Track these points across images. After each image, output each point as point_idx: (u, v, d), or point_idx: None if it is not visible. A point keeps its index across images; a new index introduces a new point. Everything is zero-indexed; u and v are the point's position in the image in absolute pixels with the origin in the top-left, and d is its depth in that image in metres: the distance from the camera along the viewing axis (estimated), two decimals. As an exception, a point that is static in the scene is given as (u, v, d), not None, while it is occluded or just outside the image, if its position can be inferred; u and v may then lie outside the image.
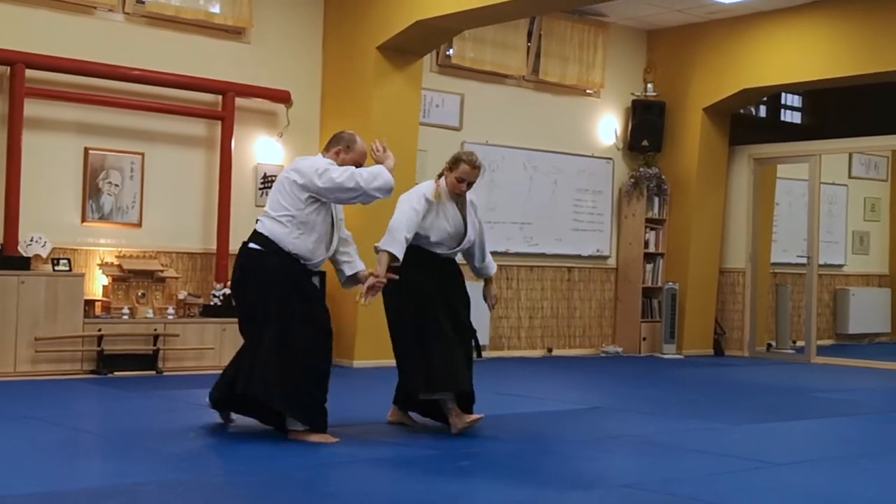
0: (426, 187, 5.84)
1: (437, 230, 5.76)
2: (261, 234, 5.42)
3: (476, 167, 5.79)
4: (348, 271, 5.73)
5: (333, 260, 5.69)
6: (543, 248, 11.07)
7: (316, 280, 5.65)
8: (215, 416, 5.82)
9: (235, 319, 7.79)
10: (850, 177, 13.61)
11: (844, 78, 10.42)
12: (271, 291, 5.34)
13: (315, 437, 5.33)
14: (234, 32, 9.19)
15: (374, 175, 5.37)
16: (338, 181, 5.32)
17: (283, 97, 9.21)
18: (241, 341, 5.63)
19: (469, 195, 5.90)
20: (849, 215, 13.60)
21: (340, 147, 5.53)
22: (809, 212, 11.36)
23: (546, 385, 8.67)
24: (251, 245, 5.45)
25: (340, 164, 5.46)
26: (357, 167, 5.46)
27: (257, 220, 5.53)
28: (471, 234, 5.84)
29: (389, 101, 9.25)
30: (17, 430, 5.65)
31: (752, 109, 12.99)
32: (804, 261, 11.47)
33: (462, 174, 5.75)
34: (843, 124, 11.53)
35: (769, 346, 12.09)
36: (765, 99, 12.82)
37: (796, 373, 10.19)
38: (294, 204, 5.35)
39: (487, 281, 6.09)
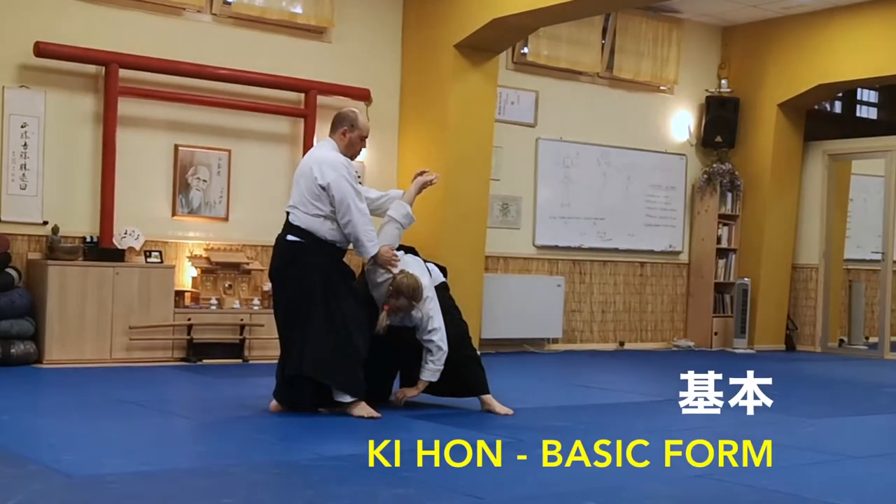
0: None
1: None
2: (298, 226, 5.75)
3: (414, 304, 5.85)
4: (396, 206, 6.09)
5: (376, 214, 6.07)
6: (616, 244, 11.18)
7: None
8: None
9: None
10: (926, 173, 13.46)
11: (921, 73, 10.39)
12: (316, 278, 5.70)
13: (359, 411, 5.72)
14: (317, 32, 9.44)
15: (370, 235, 5.77)
16: (344, 205, 5.65)
17: (363, 95, 9.42)
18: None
19: (417, 313, 5.94)
20: (925, 211, 13.45)
21: (346, 127, 5.86)
22: (884, 208, 11.29)
23: (619, 377, 8.79)
24: (290, 237, 5.77)
25: (348, 143, 5.84)
26: (361, 140, 5.87)
27: (287, 213, 5.83)
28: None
29: (466, 99, 9.43)
30: (114, 413, 5.92)
31: (828, 105, 12.94)
32: (878, 257, 11.42)
33: (399, 307, 5.86)
34: (921, 120, 11.47)
35: (841, 341, 12.06)
36: (840, 94, 12.75)
37: (869, 368, 10.16)
38: (322, 202, 5.70)
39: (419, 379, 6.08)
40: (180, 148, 8.72)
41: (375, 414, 5.74)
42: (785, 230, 11.76)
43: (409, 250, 6.21)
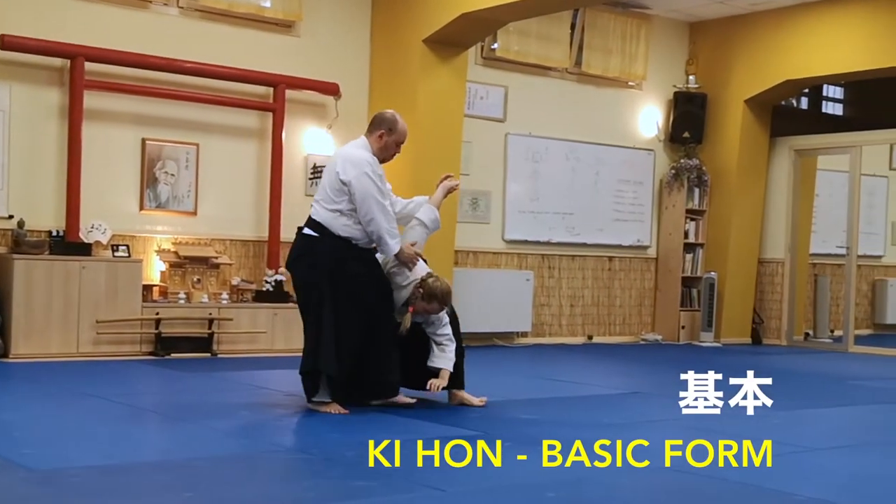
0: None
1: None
2: (315, 221, 5.75)
3: (444, 307, 5.91)
4: (425, 209, 6.07)
5: (404, 221, 6.03)
6: (585, 238, 11.24)
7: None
8: (267, 396, 6.05)
9: (287, 305, 8.45)
10: (890, 168, 13.65)
11: (886, 69, 10.46)
12: (320, 273, 5.68)
13: (327, 408, 5.71)
14: (285, 26, 9.42)
15: (393, 233, 5.72)
16: (366, 204, 5.60)
17: (331, 89, 9.42)
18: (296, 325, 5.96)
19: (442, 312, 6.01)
20: (889, 207, 13.63)
21: (383, 130, 5.82)
22: (849, 203, 11.41)
23: (587, 371, 8.84)
24: (306, 231, 5.79)
25: (383, 146, 5.79)
26: (397, 146, 5.82)
27: (311, 206, 5.84)
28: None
29: (435, 93, 9.44)
30: (80, 406, 5.90)
31: (794, 101, 13.04)
32: (843, 251, 11.54)
33: (430, 310, 5.89)
34: (885, 116, 11.55)
35: (807, 335, 12.19)
36: (806, 90, 12.86)
37: (834, 361, 10.27)
38: (341, 198, 5.67)
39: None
40: (148, 142, 8.68)
41: (343, 410, 5.75)
42: (751, 225, 11.86)
43: None
